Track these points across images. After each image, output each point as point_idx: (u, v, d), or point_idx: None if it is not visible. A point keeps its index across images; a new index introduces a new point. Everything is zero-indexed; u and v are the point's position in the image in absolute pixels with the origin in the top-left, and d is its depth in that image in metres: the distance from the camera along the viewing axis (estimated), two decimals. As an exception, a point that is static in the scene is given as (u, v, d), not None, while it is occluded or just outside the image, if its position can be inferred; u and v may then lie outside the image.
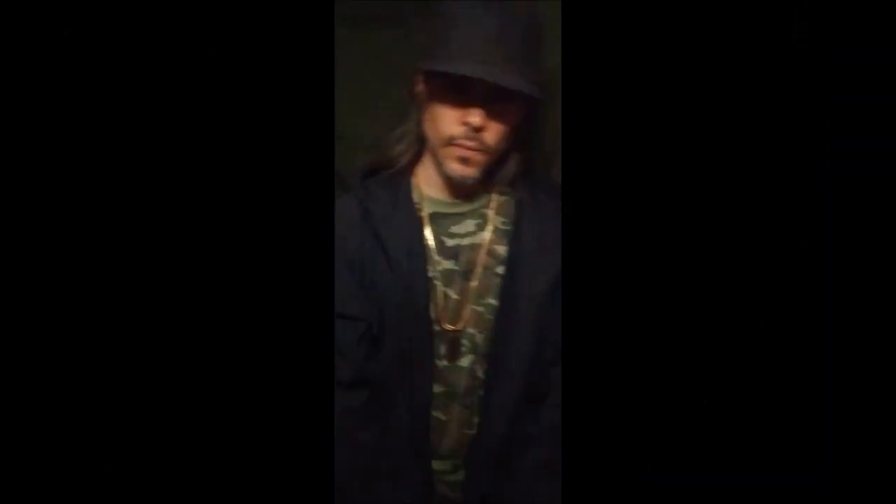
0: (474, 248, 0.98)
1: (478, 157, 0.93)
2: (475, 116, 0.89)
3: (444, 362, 0.97)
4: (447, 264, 0.97)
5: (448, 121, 0.92)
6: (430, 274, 0.96)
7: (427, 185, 1.00)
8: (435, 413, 0.97)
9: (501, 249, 0.98)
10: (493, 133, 0.92)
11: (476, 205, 0.99)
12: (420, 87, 0.95)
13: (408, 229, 0.97)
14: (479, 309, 0.97)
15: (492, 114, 0.91)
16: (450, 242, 0.98)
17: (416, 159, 1.00)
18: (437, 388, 0.97)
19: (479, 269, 0.97)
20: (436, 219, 0.98)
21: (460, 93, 0.90)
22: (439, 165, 0.96)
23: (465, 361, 0.97)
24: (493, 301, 0.97)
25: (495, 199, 0.99)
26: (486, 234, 0.98)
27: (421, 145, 0.98)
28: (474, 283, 0.96)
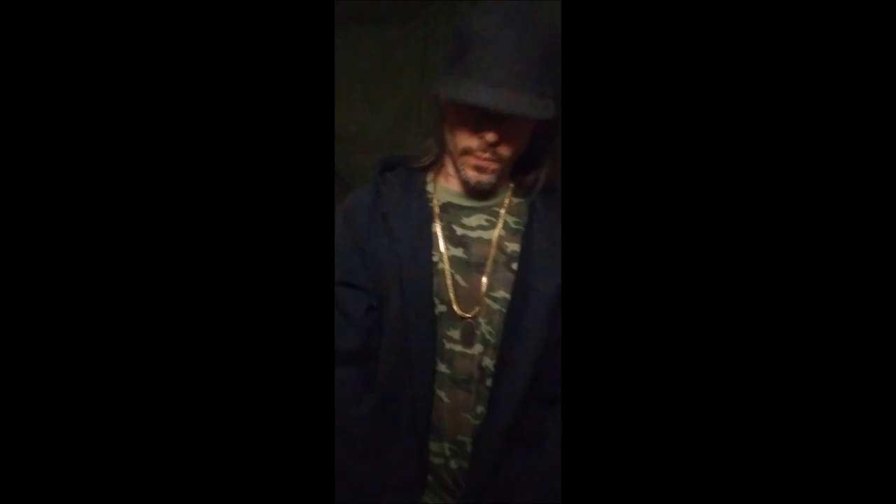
0: (483, 242, 1.01)
1: (493, 165, 0.98)
2: (489, 134, 0.94)
3: (458, 347, 0.98)
4: (455, 251, 1.00)
5: (464, 134, 0.97)
6: (435, 259, 0.99)
7: (444, 181, 1.05)
8: (438, 392, 0.98)
9: (513, 246, 1.01)
10: (508, 146, 0.97)
11: (489, 203, 1.03)
12: (439, 101, 0.99)
13: (417, 214, 1.01)
14: (490, 302, 0.99)
15: (506, 130, 0.95)
16: (459, 231, 1.01)
17: (436, 161, 1.05)
18: (442, 369, 0.98)
19: (489, 263, 1.00)
20: (447, 209, 1.03)
21: (475, 111, 0.94)
22: (457, 170, 1.01)
23: (475, 349, 0.98)
24: (504, 294, 0.99)
25: (509, 200, 1.03)
26: (497, 231, 1.01)
27: (442, 150, 1.04)
28: (485, 276, 0.99)
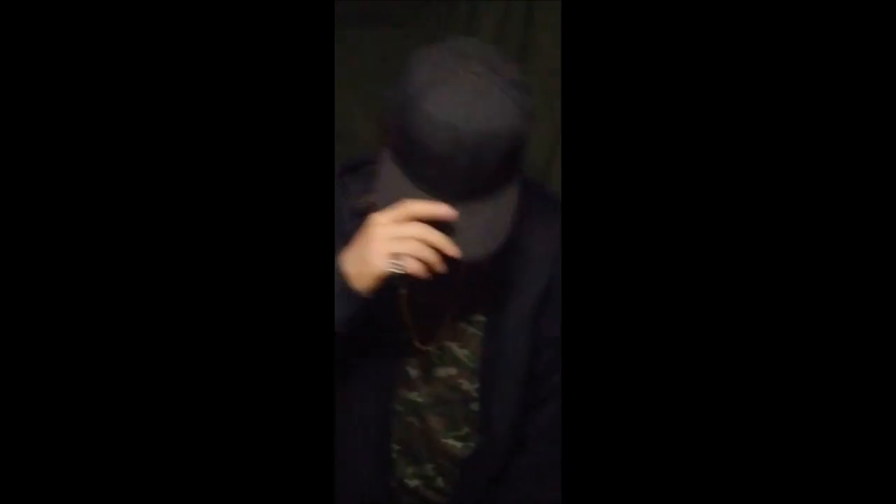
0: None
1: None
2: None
3: (417, 371, 0.96)
4: None
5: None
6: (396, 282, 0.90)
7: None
8: (408, 419, 0.97)
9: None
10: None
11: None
12: None
13: None
14: (465, 325, 0.95)
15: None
16: None
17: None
18: (412, 396, 0.96)
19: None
20: None
21: None
22: None
23: (445, 372, 0.96)
24: (480, 317, 0.95)
25: None
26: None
27: None
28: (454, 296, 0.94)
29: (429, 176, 0.79)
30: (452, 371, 0.96)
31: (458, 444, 0.97)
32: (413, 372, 0.96)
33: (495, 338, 0.94)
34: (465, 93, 0.76)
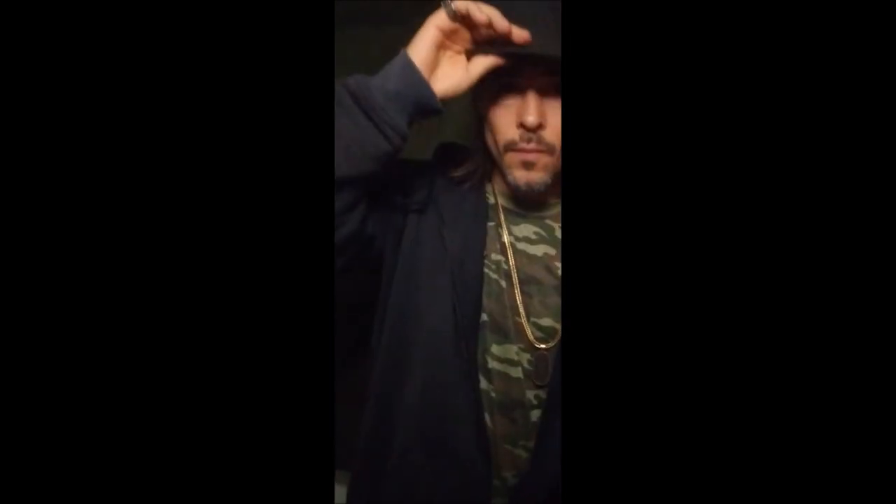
0: (531, 259, 0.95)
1: (543, 159, 0.90)
2: (530, 115, 0.87)
3: (498, 365, 0.93)
4: (498, 257, 0.95)
5: (504, 126, 0.90)
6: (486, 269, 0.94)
7: (500, 196, 0.98)
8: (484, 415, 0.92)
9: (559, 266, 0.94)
10: (554, 130, 0.89)
11: (542, 213, 0.97)
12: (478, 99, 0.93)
13: (471, 206, 0.95)
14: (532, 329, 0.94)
15: (548, 109, 0.88)
16: (506, 239, 0.95)
17: (485, 176, 0.99)
18: (484, 386, 0.92)
19: (534, 285, 0.94)
20: (500, 211, 0.97)
21: (513, 92, 0.89)
22: (505, 177, 0.94)
23: (517, 372, 0.92)
24: (553, 323, 0.93)
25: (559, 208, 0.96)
26: (547, 248, 0.95)
27: (488, 161, 0.97)
28: (530, 300, 0.94)
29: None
30: (520, 372, 0.92)
31: (524, 455, 0.92)
32: (491, 364, 0.92)
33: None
34: None
